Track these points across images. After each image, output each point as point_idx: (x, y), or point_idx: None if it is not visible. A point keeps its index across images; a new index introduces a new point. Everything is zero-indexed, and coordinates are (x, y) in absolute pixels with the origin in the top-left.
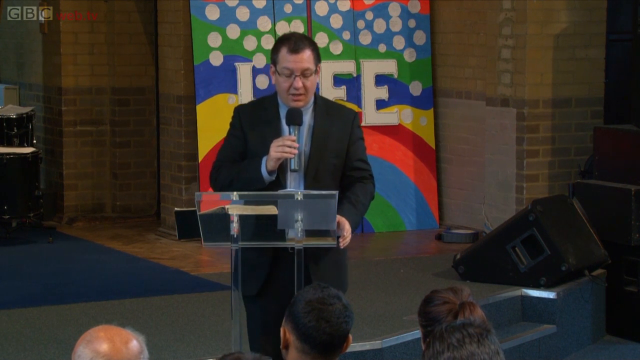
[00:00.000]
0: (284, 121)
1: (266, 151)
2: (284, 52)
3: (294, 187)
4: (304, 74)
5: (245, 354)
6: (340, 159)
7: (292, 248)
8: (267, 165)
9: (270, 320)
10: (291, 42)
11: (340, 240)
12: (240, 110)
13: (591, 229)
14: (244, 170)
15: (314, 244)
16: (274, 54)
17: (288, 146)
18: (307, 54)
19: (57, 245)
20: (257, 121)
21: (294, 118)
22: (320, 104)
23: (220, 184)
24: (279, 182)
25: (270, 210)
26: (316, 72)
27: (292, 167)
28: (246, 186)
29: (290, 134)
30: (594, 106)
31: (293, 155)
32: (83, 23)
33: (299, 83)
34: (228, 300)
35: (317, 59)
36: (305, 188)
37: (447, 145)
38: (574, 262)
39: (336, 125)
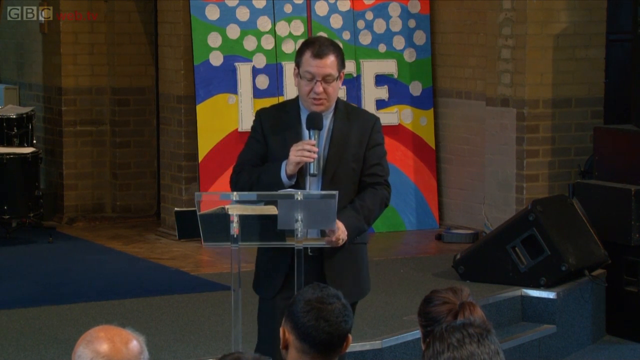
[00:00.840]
0: (304, 125)
1: (286, 155)
2: (307, 55)
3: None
4: (326, 79)
5: (245, 354)
6: (358, 164)
7: (311, 250)
8: (286, 169)
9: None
10: (315, 47)
11: (333, 238)
12: (261, 114)
13: (591, 229)
14: (264, 175)
15: (309, 244)
16: (298, 56)
17: (307, 150)
18: (330, 60)
19: (57, 245)
20: (278, 125)
21: (315, 122)
22: (341, 108)
23: (240, 188)
24: (298, 186)
25: (270, 210)
26: (339, 77)
27: (312, 172)
28: (266, 190)
29: (310, 138)
30: (594, 106)
31: (312, 160)
32: (83, 23)
33: (319, 88)
34: (228, 300)
35: (341, 64)
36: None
37: (447, 145)
38: (574, 262)
39: (355, 130)
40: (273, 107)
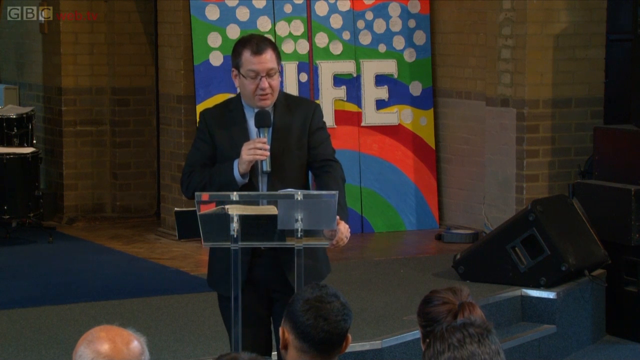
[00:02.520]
0: (250, 122)
1: (235, 154)
2: (247, 54)
3: (265, 187)
4: (269, 73)
5: (242, 354)
6: (303, 150)
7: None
8: (239, 168)
9: (249, 316)
10: (253, 44)
11: (333, 241)
12: (205, 114)
13: (591, 229)
14: (216, 175)
15: (311, 244)
16: (235, 58)
17: (259, 148)
18: (269, 54)
19: (57, 245)
20: (223, 124)
21: (264, 120)
22: (281, 99)
23: (193, 189)
24: (251, 184)
25: (270, 210)
26: (279, 71)
27: (265, 169)
28: (219, 190)
29: (259, 136)
30: (594, 106)
31: (265, 157)
32: (83, 23)
33: (265, 83)
34: None
35: (279, 58)
36: (271, 184)
37: (447, 145)
38: (574, 262)
39: (297, 118)
40: (216, 106)
